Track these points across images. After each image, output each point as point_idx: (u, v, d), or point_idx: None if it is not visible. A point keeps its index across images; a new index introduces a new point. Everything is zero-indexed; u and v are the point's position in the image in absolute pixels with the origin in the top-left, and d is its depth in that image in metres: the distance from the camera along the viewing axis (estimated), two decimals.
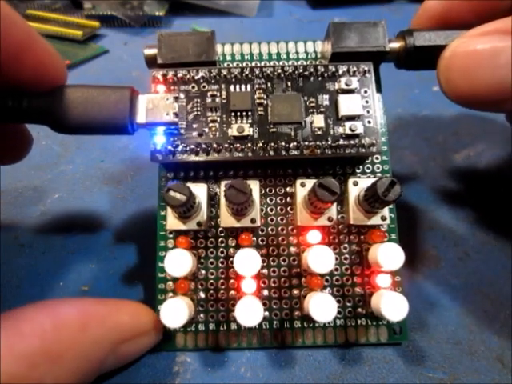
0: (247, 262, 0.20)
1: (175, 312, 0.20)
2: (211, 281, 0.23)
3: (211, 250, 0.23)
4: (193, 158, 0.21)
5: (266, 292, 0.22)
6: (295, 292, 0.22)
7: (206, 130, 0.21)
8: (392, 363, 0.22)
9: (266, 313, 0.22)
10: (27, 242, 0.27)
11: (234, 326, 0.22)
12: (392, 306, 0.20)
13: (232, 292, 0.22)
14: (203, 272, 0.23)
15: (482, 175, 0.31)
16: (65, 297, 0.24)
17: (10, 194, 0.29)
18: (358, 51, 0.22)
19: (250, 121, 0.21)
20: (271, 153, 0.21)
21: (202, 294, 0.22)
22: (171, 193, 0.19)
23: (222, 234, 0.23)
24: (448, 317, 0.24)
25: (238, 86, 0.22)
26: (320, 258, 0.20)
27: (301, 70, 0.22)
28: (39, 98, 0.19)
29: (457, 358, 0.22)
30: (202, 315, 0.22)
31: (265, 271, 0.23)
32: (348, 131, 0.21)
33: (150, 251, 0.26)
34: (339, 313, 0.22)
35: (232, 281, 0.23)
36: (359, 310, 0.22)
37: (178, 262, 0.20)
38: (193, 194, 0.20)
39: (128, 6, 0.45)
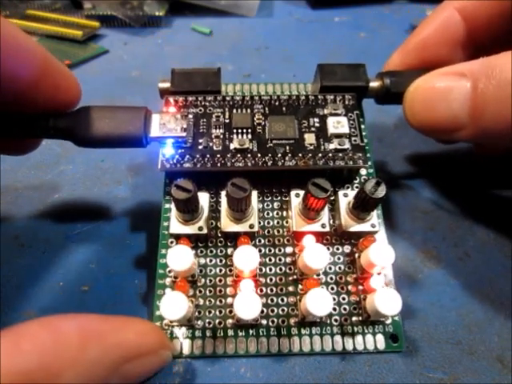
0: (246, 257, 0.21)
1: (175, 304, 0.20)
2: (209, 288, 0.23)
3: (210, 258, 0.24)
4: (198, 167, 0.23)
5: (263, 300, 0.23)
6: (292, 299, 0.23)
7: (211, 144, 0.24)
8: (392, 363, 0.22)
9: (264, 321, 0.22)
10: (27, 241, 0.27)
11: (231, 333, 0.22)
12: (386, 300, 0.20)
13: (230, 299, 0.23)
14: (202, 280, 0.23)
15: (482, 175, 0.31)
16: (65, 303, 0.24)
17: (10, 194, 0.29)
18: (343, 85, 0.26)
19: (249, 137, 0.24)
20: (269, 163, 0.23)
21: (201, 301, 0.23)
22: (177, 188, 0.20)
23: (221, 244, 0.24)
24: (448, 317, 0.24)
25: (239, 110, 0.25)
26: (315, 254, 0.21)
27: (294, 98, 0.26)
28: (64, 117, 0.22)
29: (457, 358, 0.22)
30: (199, 322, 0.22)
31: (262, 279, 0.23)
32: (337, 146, 0.24)
33: (150, 251, 0.26)
34: (335, 320, 0.22)
35: (230, 288, 0.23)
36: (354, 318, 0.23)
37: (179, 257, 0.21)
38: (197, 192, 0.21)
39: (128, 6, 0.45)
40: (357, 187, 0.25)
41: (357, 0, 0.48)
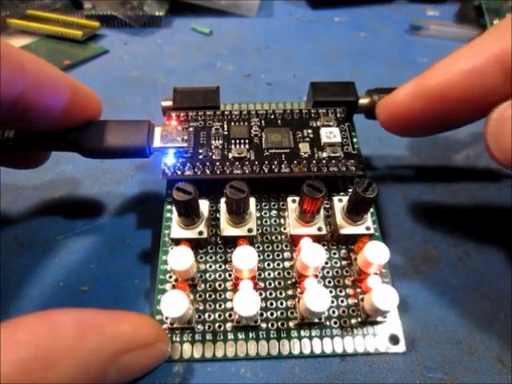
0: (244, 255, 0.21)
1: (174, 302, 0.20)
2: (209, 292, 0.23)
3: (210, 264, 0.24)
4: (198, 174, 0.24)
5: (263, 304, 0.23)
6: (290, 302, 0.23)
7: (210, 153, 0.25)
8: (392, 363, 0.22)
9: (264, 324, 0.22)
10: (27, 242, 0.27)
11: (230, 336, 0.22)
12: (382, 296, 0.21)
13: (229, 303, 0.23)
14: (202, 285, 0.23)
15: (482, 175, 0.31)
16: (65, 303, 0.24)
17: (9, 194, 0.29)
18: (335, 100, 0.27)
19: (247, 147, 0.25)
20: (265, 170, 0.24)
21: (201, 305, 0.23)
22: (179, 191, 0.21)
23: (221, 250, 0.24)
24: (448, 317, 0.24)
25: (237, 123, 0.26)
26: (312, 252, 0.21)
27: (288, 112, 0.27)
28: (73, 132, 0.23)
29: (457, 358, 0.22)
30: (199, 326, 0.22)
31: (261, 284, 0.23)
32: (330, 154, 0.25)
33: (150, 251, 0.26)
34: (335, 322, 0.23)
35: (229, 292, 0.23)
36: (353, 320, 0.23)
37: (180, 257, 0.21)
38: (197, 194, 0.22)
39: (128, 6, 0.45)
40: (349, 188, 0.26)
41: (357, 0, 0.48)
